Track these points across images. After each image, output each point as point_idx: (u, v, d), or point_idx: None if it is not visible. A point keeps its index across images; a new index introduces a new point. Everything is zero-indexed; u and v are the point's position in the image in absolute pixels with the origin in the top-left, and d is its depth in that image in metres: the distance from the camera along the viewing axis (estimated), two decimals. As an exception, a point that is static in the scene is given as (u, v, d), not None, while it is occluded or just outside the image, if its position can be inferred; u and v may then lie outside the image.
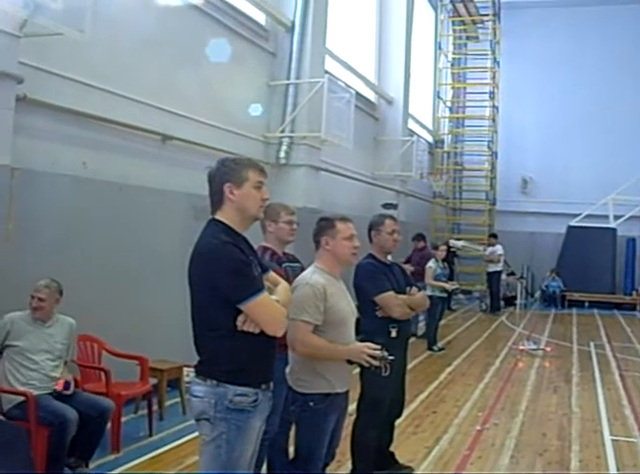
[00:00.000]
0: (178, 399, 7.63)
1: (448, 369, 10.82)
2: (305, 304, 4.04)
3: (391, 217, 5.71)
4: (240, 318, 3.24)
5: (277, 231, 5.13)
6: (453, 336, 14.41)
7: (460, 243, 19.47)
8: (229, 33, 10.05)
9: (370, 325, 5.32)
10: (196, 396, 3.35)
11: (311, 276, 4.21)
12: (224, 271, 3.23)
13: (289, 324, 3.88)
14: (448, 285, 12.73)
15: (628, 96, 22.91)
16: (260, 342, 3.29)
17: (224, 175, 3.40)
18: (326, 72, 12.27)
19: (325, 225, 4.32)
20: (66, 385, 5.65)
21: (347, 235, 4.29)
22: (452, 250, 17.02)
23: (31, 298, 5.69)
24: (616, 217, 21.79)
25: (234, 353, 3.30)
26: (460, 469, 6.26)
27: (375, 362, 4.10)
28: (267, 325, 3.27)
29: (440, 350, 12.41)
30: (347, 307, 4.30)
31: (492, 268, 19.03)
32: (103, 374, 6.42)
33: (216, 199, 3.43)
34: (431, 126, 22.90)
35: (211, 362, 3.32)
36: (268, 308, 3.28)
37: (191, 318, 3.38)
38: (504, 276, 19.81)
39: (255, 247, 3.70)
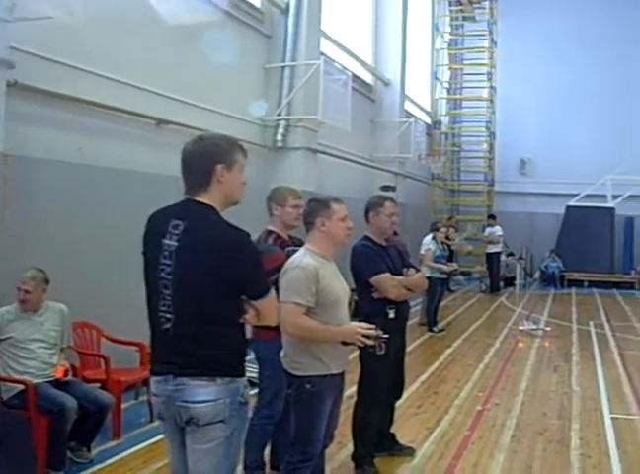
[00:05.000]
0: (178, 384, 7.63)
1: (449, 350, 10.84)
2: (297, 287, 4.00)
3: (391, 200, 5.67)
4: (251, 312, 3.17)
5: (283, 215, 5.11)
6: (453, 317, 14.43)
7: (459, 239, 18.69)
8: (224, 15, 9.97)
9: (368, 307, 5.31)
10: (204, 401, 3.05)
11: (302, 258, 4.16)
12: (251, 264, 3.10)
13: (282, 307, 3.85)
14: (447, 267, 12.72)
15: (628, 76, 22.69)
16: (245, 330, 3.25)
17: (216, 154, 3.13)
18: (322, 54, 12.18)
19: (320, 206, 4.28)
20: (66, 372, 5.66)
21: (341, 216, 4.25)
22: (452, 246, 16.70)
23: (17, 291, 5.63)
24: (615, 197, 21.77)
25: (240, 345, 3.21)
26: (462, 449, 6.26)
27: (370, 341, 4.09)
28: (275, 318, 3.27)
29: (441, 331, 12.43)
30: (340, 288, 4.26)
31: (491, 249, 19.06)
32: (102, 361, 6.41)
33: (201, 180, 3.14)
34: (428, 108, 22.81)
35: (221, 359, 3.10)
36: (275, 302, 3.27)
37: (182, 314, 3.09)
38: (503, 257, 19.82)
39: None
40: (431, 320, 12.54)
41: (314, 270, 4.07)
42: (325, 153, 12.80)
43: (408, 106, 19.44)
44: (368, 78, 17.35)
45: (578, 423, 7.16)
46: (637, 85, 22.63)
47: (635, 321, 14.72)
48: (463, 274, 20.57)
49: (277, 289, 4.08)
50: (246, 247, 3.10)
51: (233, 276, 3.04)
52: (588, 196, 21.76)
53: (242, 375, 3.19)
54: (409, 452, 6.02)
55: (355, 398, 5.59)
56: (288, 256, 4.33)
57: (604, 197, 21.70)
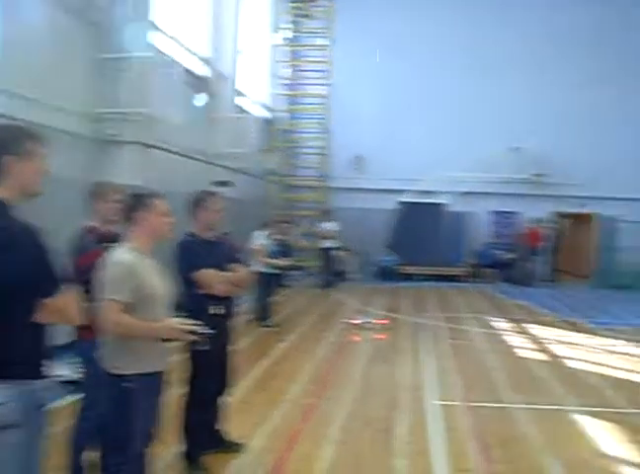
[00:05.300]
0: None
1: (282, 345, 10.85)
2: (115, 283, 3.92)
3: (217, 195, 5.69)
4: (43, 311, 3.01)
5: (103, 210, 5.10)
6: (287, 312, 14.42)
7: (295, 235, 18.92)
8: (50, 2, 9.53)
9: (192, 303, 5.24)
10: None
11: (120, 254, 4.07)
12: (38, 261, 2.96)
13: (101, 304, 3.76)
14: (282, 262, 12.76)
15: (460, 76, 23.56)
16: (44, 330, 3.10)
17: (3, 146, 3.00)
18: (154, 46, 11.90)
19: (141, 201, 4.18)
20: None
21: (163, 210, 4.20)
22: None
23: None
24: (444, 193, 22.72)
25: (34, 345, 3.06)
26: (292, 442, 6.33)
27: (192, 337, 4.04)
28: (74, 315, 3.14)
29: (274, 326, 12.42)
30: (159, 284, 4.17)
31: (326, 244, 19.30)
32: None
33: None
34: (267, 103, 22.87)
35: (12, 360, 2.96)
36: (73, 299, 3.13)
37: None
38: (338, 252, 20.15)
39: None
40: (264, 315, 12.54)
41: (131, 265, 3.98)
42: (158, 148, 12.51)
43: (246, 101, 19.40)
44: (204, 73, 17.11)
45: (404, 412, 7.41)
46: (468, 86, 23.63)
47: (465, 312, 15.39)
48: (298, 269, 20.74)
49: (88, 288, 3.99)
50: (33, 243, 2.96)
51: (20, 275, 2.91)
52: (423, 192, 22.61)
53: (37, 377, 3.06)
54: (237, 448, 6.00)
55: (182, 397, 5.53)
56: (107, 252, 4.21)
57: (435, 193, 22.62)
